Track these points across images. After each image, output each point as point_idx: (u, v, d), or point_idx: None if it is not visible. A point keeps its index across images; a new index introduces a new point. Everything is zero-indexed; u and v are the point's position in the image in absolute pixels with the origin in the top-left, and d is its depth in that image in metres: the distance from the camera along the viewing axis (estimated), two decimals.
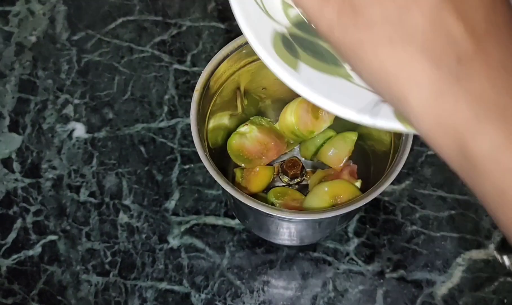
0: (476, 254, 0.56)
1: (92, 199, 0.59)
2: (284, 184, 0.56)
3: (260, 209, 0.41)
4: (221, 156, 0.54)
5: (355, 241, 0.56)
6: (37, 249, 0.57)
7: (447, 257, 0.56)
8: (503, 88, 0.20)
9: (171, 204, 0.58)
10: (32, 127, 0.63)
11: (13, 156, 0.61)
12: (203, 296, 0.54)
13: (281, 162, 0.56)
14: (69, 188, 0.59)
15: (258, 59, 0.54)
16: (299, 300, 0.54)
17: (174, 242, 0.57)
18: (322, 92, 0.26)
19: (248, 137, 0.55)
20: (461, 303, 0.54)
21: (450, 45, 0.20)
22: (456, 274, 0.55)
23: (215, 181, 0.42)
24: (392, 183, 0.43)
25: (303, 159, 0.57)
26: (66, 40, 0.68)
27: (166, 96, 0.64)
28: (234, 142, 0.55)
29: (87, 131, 0.63)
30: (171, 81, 0.65)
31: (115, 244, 0.57)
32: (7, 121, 0.63)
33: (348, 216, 0.51)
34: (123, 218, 0.58)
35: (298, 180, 0.56)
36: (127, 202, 0.59)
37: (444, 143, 0.21)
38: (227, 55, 0.46)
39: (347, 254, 0.56)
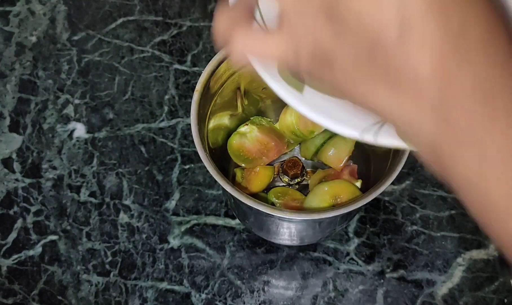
0: (476, 254, 0.56)
1: (92, 199, 0.59)
2: (284, 184, 0.56)
3: (260, 209, 0.41)
4: (221, 156, 0.54)
5: (355, 241, 0.56)
6: (38, 249, 0.57)
7: (447, 257, 0.56)
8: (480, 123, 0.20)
9: (171, 204, 0.58)
10: (32, 127, 0.63)
11: (14, 156, 0.61)
12: (203, 296, 0.54)
13: (282, 161, 0.56)
14: (70, 188, 0.59)
15: None
16: (300, 300, 0.54)
17: (174, 242, 0.57)
18: (326, 113, 0.27)
19: (249, 137, 0.55)
20: (461, 303, 0.54)
21: (420, 83, 0.20)
22: (457, 274, 0.55)
23: (216, 181, 0.42)
24: (392, 183, 0.43)
25: (303, 158, 0.57)
26: (67, 40, 0.68)
27: (167, 96, 0.64)
28: (234, 142, 0.55)
29: (88, 132, 0.63)
30: (172, 81, 0.65)
31: (115, 244, 0.57)
32: (7, 121, 0.63)
33: (348, 216, 0.51)
34: (123, 218, 0.58)
35: (299, 179, 0.56)
36: (127, 202, 0.59)
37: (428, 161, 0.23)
38: (228, 55, 0.46)
39: (348, 254, 0.56)
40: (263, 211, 0.40)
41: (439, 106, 0.20)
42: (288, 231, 0.50)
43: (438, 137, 0.21)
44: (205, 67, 0.46)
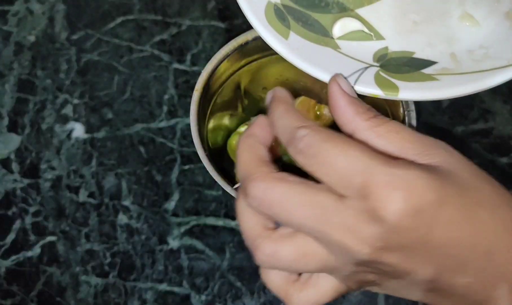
0: None
1: (91, 200, 0.59)
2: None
3: None
4: (221, 156, 0.53)
5: None
6: (36, 250, 0.56)
7: None
8: None
9: (170, 205, 0.58)
10: (31, 127, 0.63)
11: (12, 156, 0.61)
12: (203, 297, 0.54)
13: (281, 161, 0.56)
14: (68, 188, 0.59)
15: (259, 58, 0.53)
16: None
17: (174, 243, 0.56)
18: (310, 60, 0.29)
19: None
20: None
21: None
22: None
23: (215, 182, 0.41)
24: None
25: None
26: (65, 40, 0.68)
27: (166, 96, 0.64)
28: (234, 142, 0.54)
29: (86, 132, 0.62)
30: (171, 81, 0.65)
31: (114, 245, 0.56)
32: (5, 121, 0.63)
33: None
34: (122, 218, 0.58)
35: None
36: (126, 202, 0.58)
37: None
38: (227, 55, 0.46)
39: None
40: None
41: None
42: None
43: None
44: (204, 66, 0.46)
